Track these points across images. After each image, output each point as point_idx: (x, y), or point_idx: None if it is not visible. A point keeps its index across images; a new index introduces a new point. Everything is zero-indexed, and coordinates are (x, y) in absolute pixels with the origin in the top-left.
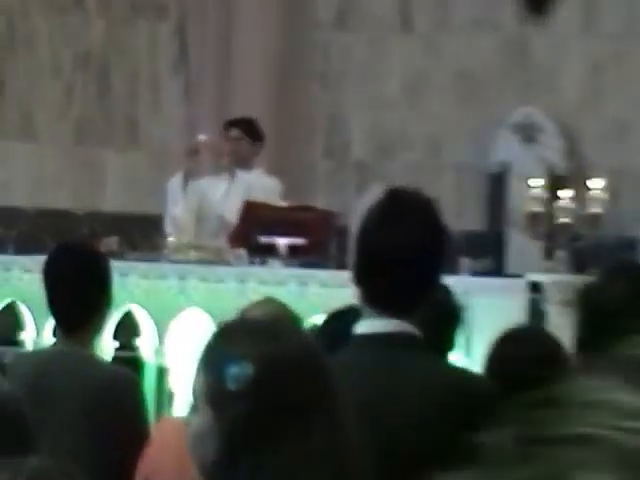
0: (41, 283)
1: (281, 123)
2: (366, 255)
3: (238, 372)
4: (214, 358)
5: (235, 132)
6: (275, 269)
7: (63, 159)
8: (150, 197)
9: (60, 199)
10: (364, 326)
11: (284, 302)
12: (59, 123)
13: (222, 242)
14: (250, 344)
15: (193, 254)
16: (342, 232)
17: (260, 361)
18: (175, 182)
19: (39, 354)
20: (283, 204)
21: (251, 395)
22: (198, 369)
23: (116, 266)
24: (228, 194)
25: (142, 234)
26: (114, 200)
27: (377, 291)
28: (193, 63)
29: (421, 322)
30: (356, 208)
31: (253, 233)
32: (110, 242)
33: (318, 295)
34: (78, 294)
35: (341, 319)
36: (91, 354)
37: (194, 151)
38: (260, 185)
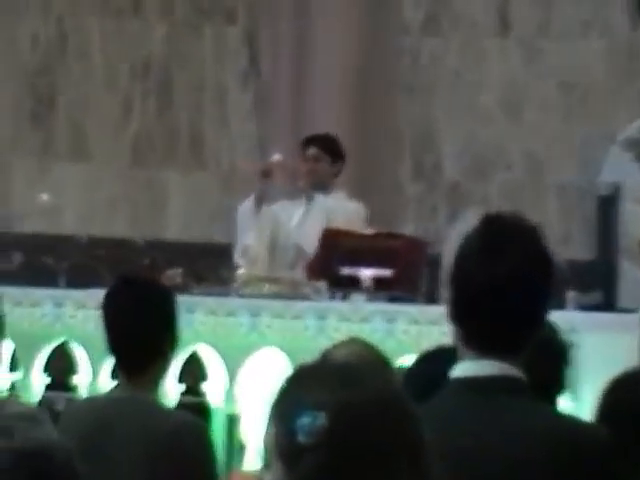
0: (98, 320)
1: (364, 140)
2: (461, 288)
3: (310, 423)
4: (285, 407)
5: (313, 150)
6: (359, 304)
7: (119, 181)
8: (218, 224)
9: (117, 226)
10: (460, 369)
11: (370, 342)
12: (114, 141)
13: (299, 274)
14: (326, 390)
15: (267, 288)
16: (434, 262)
17: (335, 409)
18: (246, 207)
19: (95, 400)
20: (367, 231)
21: (324, 447)
22: (269, 419)
23: (181, 301)
24: (305, 220)
25: (209, 265)
26: (177, 227)
27: (475, 329)
28: (264, 73)
29: (524, 364)
30: (449, 235)
31: (334, 264)
32: (174, 274)
33: (407, 333)
34: (141, 333)
35: (433, 360)
36: (154, 399)
37: (267, 172)
38: (341, 210)
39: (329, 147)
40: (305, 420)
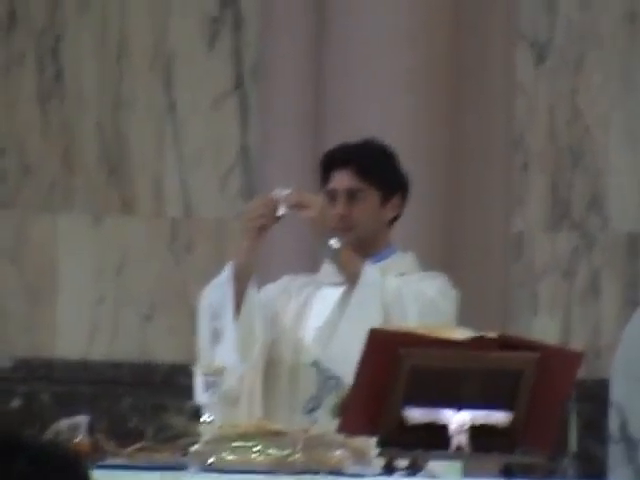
0: None
1: (452, 151)
2: None
3: None
4: None
5: (348, 177)
6: None
7: None
8: (158, 324)
9: None
10: None
11: None
12: None
13: (323, 424)
14: None
15: (260, 452)
16: (590, 394)
17: None
18: (218, 290)
19: None
20: (458, 334)
21: None
22: None
23: None
24: (339, 317)
25: (143, 408)
26: (77, 333)
27: None
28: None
29: None
30: (628, 332)
31: (393, 402)
32: (73, 427)
33: None
34: None
35: None
36: None
37: (267, 218)
38: (411, 292)
39: (379, 168)
40: None
